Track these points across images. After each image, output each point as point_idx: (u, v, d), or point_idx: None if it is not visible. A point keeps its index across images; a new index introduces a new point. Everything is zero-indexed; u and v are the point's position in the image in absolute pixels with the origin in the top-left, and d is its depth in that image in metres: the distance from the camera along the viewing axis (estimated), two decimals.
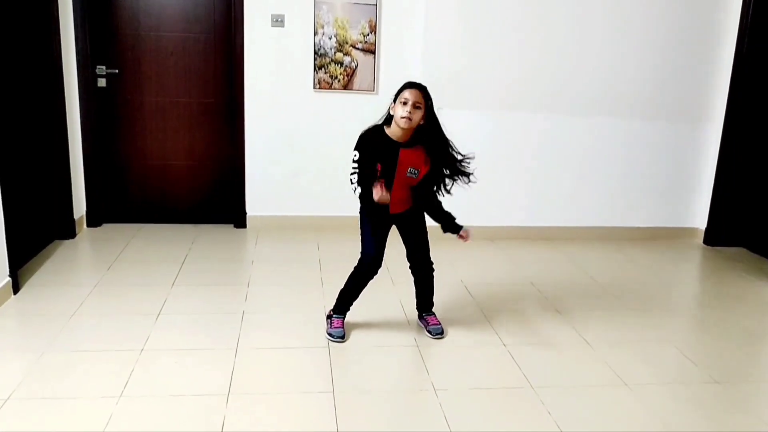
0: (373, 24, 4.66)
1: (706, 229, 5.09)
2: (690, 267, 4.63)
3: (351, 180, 2.90)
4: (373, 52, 4.71)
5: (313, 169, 4.86)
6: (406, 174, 2.88)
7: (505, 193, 4.93)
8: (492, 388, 2.74)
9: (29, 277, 3.73)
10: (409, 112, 2.77)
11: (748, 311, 3.73)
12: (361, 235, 3.06)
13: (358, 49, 4.69)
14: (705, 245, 5.05)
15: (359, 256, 3.06)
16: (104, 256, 4.20)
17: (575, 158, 4.94)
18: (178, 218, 4.97)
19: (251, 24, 4.60)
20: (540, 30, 4.66)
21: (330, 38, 4.65)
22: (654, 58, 4.82)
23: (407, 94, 2.79)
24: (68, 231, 4.48)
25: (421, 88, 2.83)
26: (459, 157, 2.97)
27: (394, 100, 2.85)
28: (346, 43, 4.67)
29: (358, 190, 2.88)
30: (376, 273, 3.07)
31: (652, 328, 3.43)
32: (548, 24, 4.66)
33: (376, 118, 5.06)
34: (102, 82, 4.64)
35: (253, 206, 4.93)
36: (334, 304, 3.19)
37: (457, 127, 4.78)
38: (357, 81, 4.74)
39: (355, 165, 2.89)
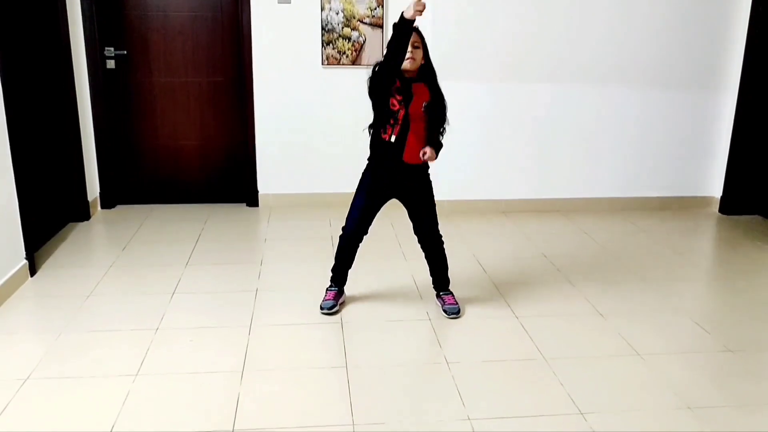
0: None
1: (722, 197, 5.03)
2: (705, 236, 4.60)
3: (369, 87, 2.88)
4: (381, 27, 4.66)
5: (323, 146, 4.85)
6: (422, 108, 2.87)
7: (518, 165, 4.90)
8: (505, 360, 2.75)
9: (45, 260, 3.77)
10: (411, 53, 2.80)
11: (763, 280, 3.70)
12: (352, 201, 3.07)
13: (365, 23, 4.65)
14: (721, 214, 5.00)
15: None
16: (118, 237, 4.24)
17: (588, 128, 4.88)
18: (191, 198, 5.00)
19: (258, 1, 4.57)
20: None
21: (337, 13, 4.61)
22: (666, 24, 4.73)
23: None
24: (83, 213, 4.52)
25: (415, 29, 2.82)
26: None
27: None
28: (354, 18, 4.63)
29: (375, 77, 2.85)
30: (358, 243, 3.14)
31: (665, 298, 3.41)
32: None
33: None
34: (111, 64, 4.64)
35: (264, 184, 4.94)
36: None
37: (469, 100, 4.79)
38: (365, 56, 4.71)
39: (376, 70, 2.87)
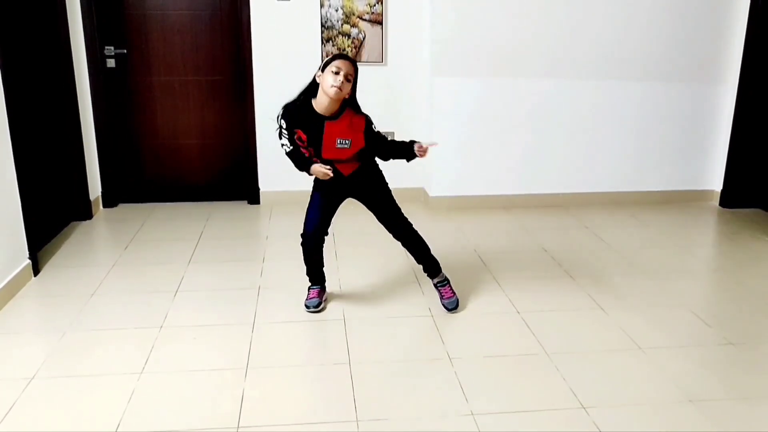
0: None
1: (722, 191, 5.03)
2: (705, 229, 4.60)
3: (282, 145, 2.89)
4: (381, 23, 4.67)
5: None
6: (336, 146, 2.82)
7: (517, 160, 4.90)
8: (507, 355, 2.76)
9: (48, 259, 3.79)
10: (341, 82, 2.69)
11: (763, 272, 3.71)
12: (308, 206, 3.07)
13: (365, 20, 4.66)
14: (721, 207, 5.00)
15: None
16: (121, 236, 4.25)
17: (587, 123, 4.88)
18: (193, 196, 5.01)
19: None
20: None
21: (336, 10, 4.61)
22: (665, 17, 4.72)
23: (340, 63, 2.71)
24: (85, 212, 4.53)
25: (353, 62, 2.76)
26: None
27: (323, 69, 2.76)
28: (353, 14, 4.63)
29: (289, 147, 2.88)
30: (320, 247, 3.13)
31: (666, 292, 3.42)
32: None
33: (387, 90, 5.03)
34: (111, 63, 4.65)
35: (265, 182, 4.95)
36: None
37: (466, 95, 4.79)
38: (365, 53, 4.71)
39: (285, 134, 2.86)
